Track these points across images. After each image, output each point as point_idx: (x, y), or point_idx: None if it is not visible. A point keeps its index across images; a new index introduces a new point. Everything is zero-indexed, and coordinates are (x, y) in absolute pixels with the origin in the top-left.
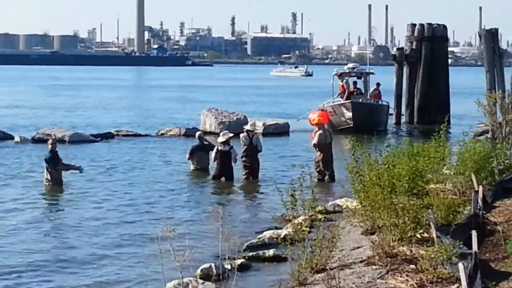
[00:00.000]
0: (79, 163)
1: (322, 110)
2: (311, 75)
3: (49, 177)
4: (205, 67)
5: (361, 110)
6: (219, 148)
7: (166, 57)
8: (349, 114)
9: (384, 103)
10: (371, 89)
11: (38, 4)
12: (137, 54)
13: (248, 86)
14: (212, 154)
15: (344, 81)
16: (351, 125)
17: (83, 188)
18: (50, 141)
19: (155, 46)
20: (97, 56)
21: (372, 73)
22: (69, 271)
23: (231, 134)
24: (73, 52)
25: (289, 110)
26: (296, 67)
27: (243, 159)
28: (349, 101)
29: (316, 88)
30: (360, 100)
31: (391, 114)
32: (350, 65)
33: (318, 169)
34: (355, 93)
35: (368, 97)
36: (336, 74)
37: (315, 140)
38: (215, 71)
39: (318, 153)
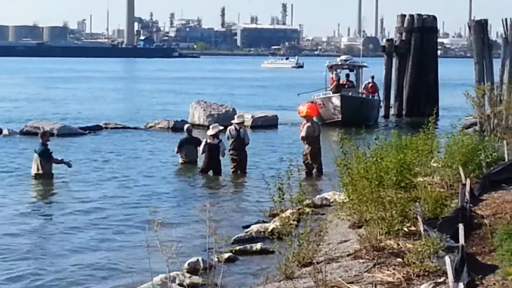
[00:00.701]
0: (68, 156)
1: (311, 102)
2: (302, 66)
3: (40, 171)
4: (192, 59)
5: (350, 103)
6: (208, 141)
7: (153, 48)
8: (338, 108)
9: (375, 97)
10: (365, 82)
11: None
12: (124, 45)
13: (238, 78)
14: (201, 147)
15: (334, 73)
16: (340, 119)
17: (72, 182)
18: (42, 134)
19: (142, 38)
20: (83, 47)
21: (365, 66)
22: (54, 265)
23: (221, 127)
24: (59, 44)
25: (280, 102)
26: (287, 59)
27: (231, 152)
28: (338, 94)
29: (308, 79)
30: (350, 94)
31: (381, 107)
32: (343, 57)
33: (306, 162)
34: (346, 86)
35: (361, 90)
36: (328, 66)
37: (303, 133)
38: (205, 63)
39: (306, 146)
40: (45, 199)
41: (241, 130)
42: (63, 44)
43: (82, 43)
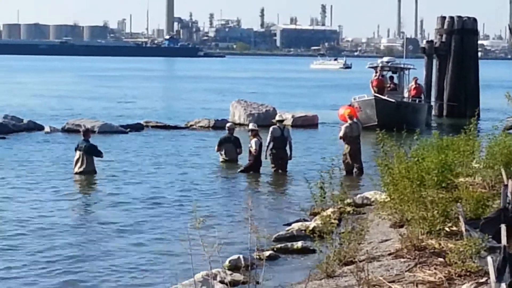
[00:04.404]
0: (110, 153)
1: (350, 105)
2: (350, 67)
3: (84, 168)
4: (218, 58)
5: (385, 107)
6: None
7: (178, 48)
8: (373, 111)
9: (419, 100)
10: (409, 85)
11: None
12: (148, 45)
13: (289, 78)
14: (253, 145)
15: (377, 76)
16: (376, 123)
17: (114, 179)
18: (85, 131)
19: (167, 37)
20: (107, 46)
21: (409, 68)
22: (98, 262)
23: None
24: (83, 43)
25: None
26: (335, 60)
27: (273, 151)
28: (373, 97)
29: (357, 80)
30: (386, 97)
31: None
32: (385, 59)
33: (346, 162)
34: (389, 88)
35: (406, 93)
36: (372, 68)
37: (340, 133)
38: (247, 63)
39: (346, 145)
40: (88, 196)
41: (285, 129)
42: (85, 43)
43: (106, 42)
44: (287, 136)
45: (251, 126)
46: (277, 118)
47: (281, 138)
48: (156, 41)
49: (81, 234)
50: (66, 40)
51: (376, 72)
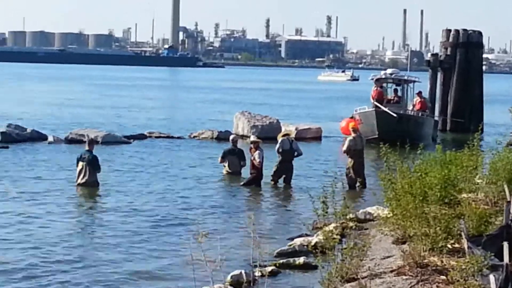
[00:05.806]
0: (113, 164)
1: (351, 117)
2: (357, 79)
3: (86, 179)
4: (217, 69)
5: (386, 120)
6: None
7: (177, 57)
8: (374, 124)
9: (426, 115)
10: (414, 99)
11: (74, 2)
12: (147, 54)
13: (296, 90)
14: (257, 157)
15: (375, 88)
16: (376, 136)
17: (116, 190)
18: (89, 141)
19: (166, 46)
20: (106, 55)
21: (414, 81)
22: (99, 275)
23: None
24: (82, 51)
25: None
26: (343, 71)
27: (280, 164)
28: (373, 110)
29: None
30: (387, 109)
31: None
32: (389, 71)
33: (349, 176)
34: (392, 101)
35: (410, 106)
36: (373, 80)
37: (344, 147)
38: (252, 73)
39: (349, 159)
40: (90, 207)
41: (293, 142)
42: (84, 51)
43: (104, 51)
44: (295, 149)
45: (252, 138)
46: (283, 132)
47: (289, 151)
48: (160, 51)
49: (81, 246)
50: (65, 48)
51: (376, 84)
